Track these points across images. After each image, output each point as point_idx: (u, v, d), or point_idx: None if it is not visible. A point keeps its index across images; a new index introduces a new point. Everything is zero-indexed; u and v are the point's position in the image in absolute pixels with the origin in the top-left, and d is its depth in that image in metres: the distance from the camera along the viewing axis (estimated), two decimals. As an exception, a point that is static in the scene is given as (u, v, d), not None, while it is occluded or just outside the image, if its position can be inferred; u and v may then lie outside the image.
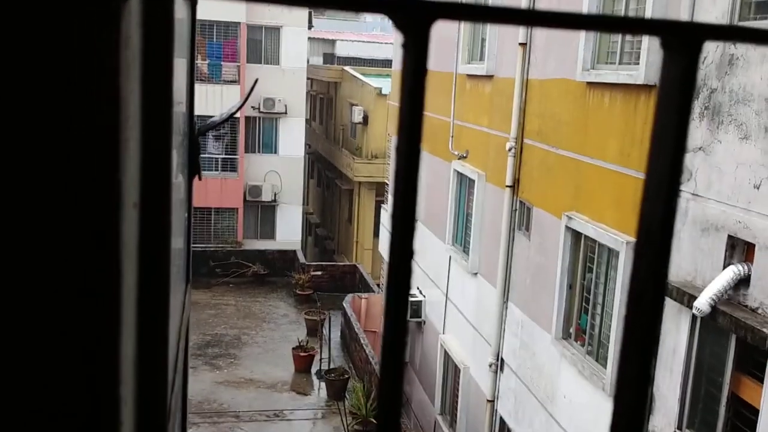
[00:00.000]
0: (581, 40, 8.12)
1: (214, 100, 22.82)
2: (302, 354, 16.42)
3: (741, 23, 5.81)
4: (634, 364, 0.48)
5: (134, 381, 0.65)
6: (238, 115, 23.29)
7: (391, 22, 0.47)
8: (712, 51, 5.99)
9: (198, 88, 24.82)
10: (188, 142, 1.44)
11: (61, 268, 0.45)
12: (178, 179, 1.26)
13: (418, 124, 0.47)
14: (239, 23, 23.61)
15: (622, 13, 7.66)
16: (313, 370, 16.46)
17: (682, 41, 0.47)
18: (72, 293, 0.46)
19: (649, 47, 6.89)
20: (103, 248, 0.46)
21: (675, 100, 0.47)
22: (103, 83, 0.41)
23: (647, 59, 6.89)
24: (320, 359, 16.23)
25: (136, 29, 0.50)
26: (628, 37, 7.62)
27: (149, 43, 0.58)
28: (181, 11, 1.31)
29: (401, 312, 0.48)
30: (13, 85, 0.42)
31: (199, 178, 1.51)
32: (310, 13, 25.43)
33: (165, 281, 0.72)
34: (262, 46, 24.49)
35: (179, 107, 1.28)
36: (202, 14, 22.89)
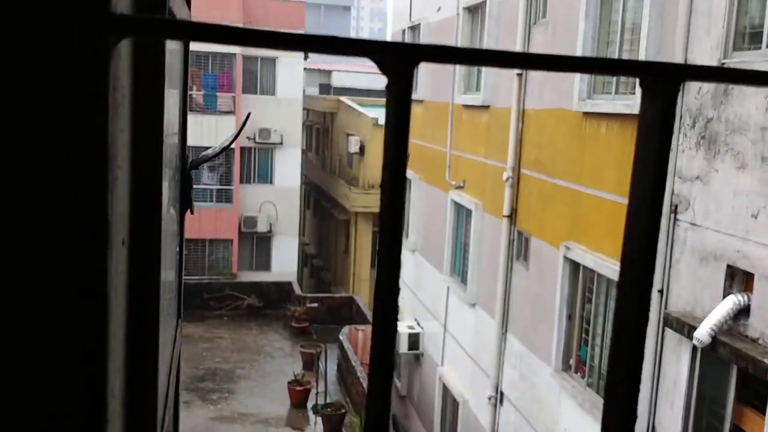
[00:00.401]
0: (575, 71, 8.20)
1: (209, 131, 22.93)
2: (298, 388, 16.23)
3: (735, 53, 5.88)
4: (622, 388, 0.48)
5: (123, 419, 0.65)
6: (233, 146, 23.38)
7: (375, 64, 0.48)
8: (704, 82, 6.05)
9: (193, 118, 24.87)
10: (180, 176, 1.45)
11: (47, 305, 0.45)
12: (169, 213, 1.26)
13: (402, 162, 0.48)
14: (235, 54, 23.86)
15: (618, 44, 7.77)
16: (309, 404, 16.26)
17: (660, 82, 0.48)
18: (58, 331, 0.45)
19: (642, 78, 6.96)
20: (89, 286, 0.46)
21: (654, 140, 0.48)
22: (91, 124, 0.42)
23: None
24: (316, 393, 16.04)
25: (126, 71, 0.51)
26: (622, 69, 7.71)
27: (140, 83, 0.59)
28: (173, 44, 1.32)
29: (387, 350, 0.48)
30: (3, 123, 0.42)
31: (191, 212, 1.51)
32: (307, 46, 25.69)
33: (155, 317, 0.72)
34: (258, 76, 24.72)
35: (172, 140, 1.29)
36: (197, 45, 23.15)
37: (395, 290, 0.48)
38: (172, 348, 1.30)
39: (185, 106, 1.73)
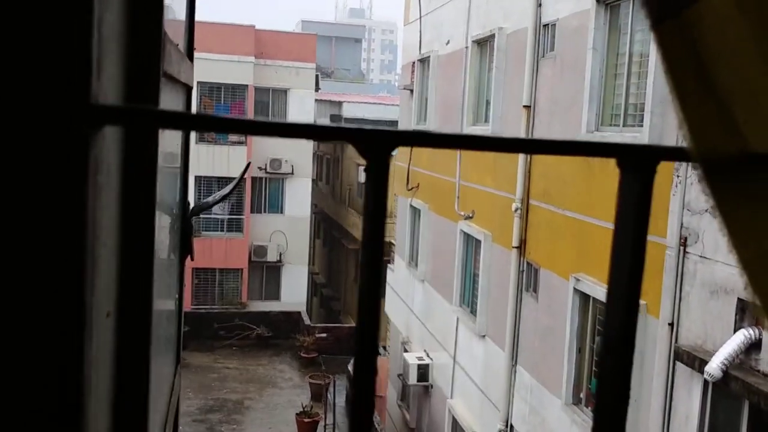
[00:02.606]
0: (585, 102, 8.24)
1: (221, 161, 23.12)
2: (306, 420, 16.08)
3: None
4: (611, 407, 0.48)
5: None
6: (244, 176, 23.55)
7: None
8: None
9: (205, 149, 24.99)
10: (181, 224, 1.46)
11: (23, 380, 0.45)
12: (169, 261, 1.27)
13: (379, 240, 0.49)
14: (247, 86, 24.14)
15: (625, 76, 7.80)
16: (319, 435, 16.09)
17: (637, 163, 0.48)
18: (34, 408, 0.45)
19: (652, 110, 6.98)
20: (66, 362, 0.46)
21: (631, 219, 0.48)
22: (67, 210, 0.43)
23: (651, 121, 6.97)
24: (325, 425, 15.88)
25: (112, 153, 0.52)
26: (632, 99, 7.74)
27: (130, 165, 0.60)
28: (175, 95, 1.34)
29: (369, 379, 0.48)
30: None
31: (192, 259, 1.52)
32: (317, 76, 26.00)
33: (145, 381, 0.72)
34: (270, 107, 24.97)
35: (171, 191, 1.30)
36: (210, 77, 23.48)
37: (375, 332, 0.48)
38: (169, 396, 1.29)
39: (188, 147, 1.75)
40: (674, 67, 0.44)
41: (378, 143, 0.47)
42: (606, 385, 0.49)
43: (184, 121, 0.41)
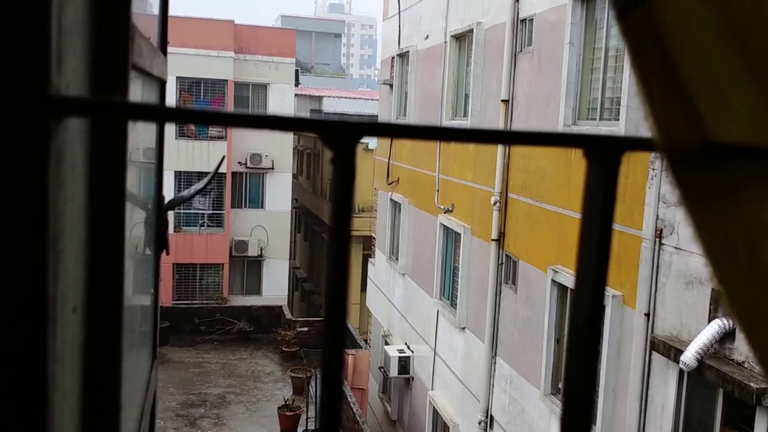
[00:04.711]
0: (562, 96, 8.30)
1: (200, 157, 22.95)
2: (288, 413, 16.07)
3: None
4: (579, 393, 0.49)
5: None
6: (224, 171, 23.41)
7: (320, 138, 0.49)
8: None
9: (185, 144, 24.78)
10: (156, 218, 1.44)
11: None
12: (143, 256, 1.26)
13: (345, 231, 0.49)
14: (226, 80, 23.97)
15: (602, 71, 7.86)
16: (300, 430, 16.09)
17: (602, 153, 0.49)
18: None
19: (628, 103, 7.05)
20: (28, 356, 0.45)
21: (598, 209, 0.49)
22: (26, 203, 0.42)
23: (627, 115, 7.04)
24: (307, 419, 15.89)
25: (76, 143, 0.51)
26: (608, 93, 7.81)
27: (97, 155, 0.59)
28: (147, 88, 1.33)
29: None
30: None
31: (167, 253, 1.51)
32: (297, 71, 25.88)
33: (116, 373, 0.71)
34: (249, 102, 24.81)
35: (145, 182, 1.29)
36: (189, 72, 23.29)
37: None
38: (144, 392, 1.28)
39: (162, 141, 1.73)
40: (639, 57, 0.45)
41: (343, 134, 0.47)
42: (573, 369, 0.50)
43: (145, 113, 0.41)
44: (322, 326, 0.47)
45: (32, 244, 0.43)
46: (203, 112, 0.43)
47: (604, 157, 0.48)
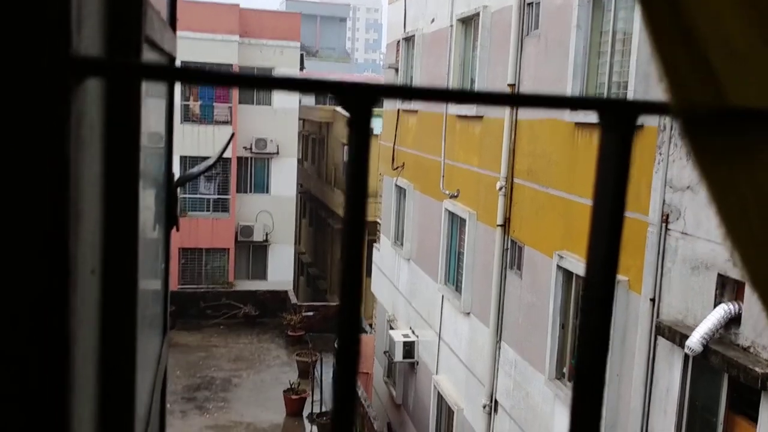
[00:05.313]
0: (569, 79, 8.25)
1: (206, 141, 22.96)
2: (294, 397, 16.19)
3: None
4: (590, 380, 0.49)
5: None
6: (230, 155, 23.41)
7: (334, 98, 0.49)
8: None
9: (191, 128, 24.75)
10: (166, 193, 1.45)
11: (6, 337, 0.45)
12: (155, 230, 1.27)
13: (362, 194, 0.49)
14: (231, 65, 23.90)
15: (609, 54, 7.81)
16: (305, 413, 16.22)
17: (618, 117, 0.49)
18: (18, 364, 0.46)
19: (635, 87, 7.00)
20: (50, 318, 0.46)
21: (611, 175, 0.49)
22: (50, 163, 0.43)
23: (634, 98, 6.99)
24: (312, 402, 16.00)
25: (94, 107, 0.51)
26: (615, 77, 7.76)
27: (113, 117, 0.60)
28: (156, 56, 1.33)
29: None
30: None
31: (177, 229, 1.52)
32: (302, 55, 25.79)
33: (132, 339, 0.72)
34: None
35: (156, 158, 1.30)
36: (194, 56, 23.22)
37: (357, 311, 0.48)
38: (156, 366, 1.30)
39: (171, 119, 1.74)
40: (653, 18, 0.45)
41: (360, 96, 0.47)
42: (585, 348, 0.50)
43: (165, 74, 0.41)
44: (338, 285, 0.47)
45: (55, 201, 0.43)
46: (222, 74, 0.43)
47: (619, 120, 0.48)
